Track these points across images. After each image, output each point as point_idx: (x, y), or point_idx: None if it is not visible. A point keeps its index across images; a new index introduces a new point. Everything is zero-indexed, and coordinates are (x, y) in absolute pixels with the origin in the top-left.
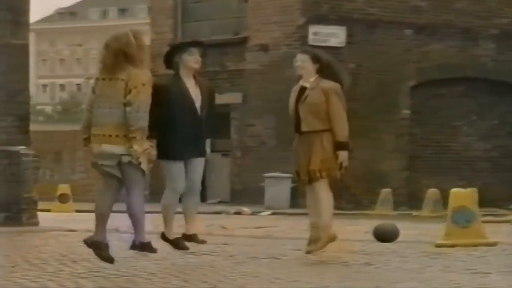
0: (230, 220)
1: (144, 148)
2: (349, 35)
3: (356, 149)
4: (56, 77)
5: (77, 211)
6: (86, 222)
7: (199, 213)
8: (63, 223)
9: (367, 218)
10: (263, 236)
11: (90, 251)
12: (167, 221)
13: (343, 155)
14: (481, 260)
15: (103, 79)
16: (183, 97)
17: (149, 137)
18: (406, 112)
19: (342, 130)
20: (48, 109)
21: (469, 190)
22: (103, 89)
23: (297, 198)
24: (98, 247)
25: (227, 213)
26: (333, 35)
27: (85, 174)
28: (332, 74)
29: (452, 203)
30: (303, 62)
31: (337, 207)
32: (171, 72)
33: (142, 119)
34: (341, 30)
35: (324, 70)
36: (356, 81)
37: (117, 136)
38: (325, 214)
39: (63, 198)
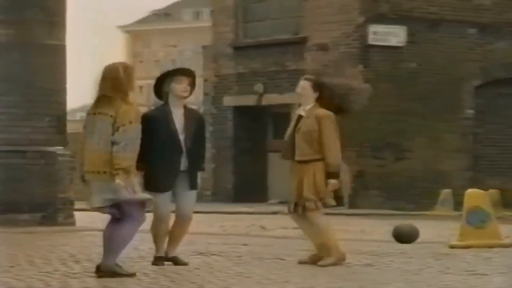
0: (274, 221)
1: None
2: (410, 34)
3: (415, 148)
4: (151, 78)
5: None
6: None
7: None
8: (102, 223)
9: (425, 218)
10: (285, 236)
11: (100, 251)
12: (156, 245)
13: (333, 184)
14: (486, 261)
15: (94, 114)
16: (167, 127)
17: (137, 169)
18: (470, 112)
19: (334, 160)
20: (143, 110)
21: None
22: (92, 124)
23: (355, 199)
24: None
25: (283, 213)
26: (393, 34)
27: None
28: (333, 102)
29: (467, 203)
30: (303, 90)
31: (396, 207)
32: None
33: (128, 159)
34: (401, 29)
35: (325, 99)
36: (416, 80)
37: (104, 172)
38: (330, 241)
39: None
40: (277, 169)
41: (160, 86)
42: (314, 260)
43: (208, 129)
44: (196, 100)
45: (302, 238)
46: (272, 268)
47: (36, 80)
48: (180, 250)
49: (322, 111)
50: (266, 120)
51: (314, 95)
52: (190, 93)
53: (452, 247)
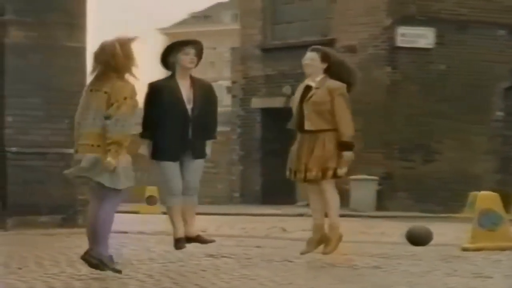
0: (297, 223)
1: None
2: (438, 36)
3: (444, 150)
4: None
5: (164, 213)
6: (155, 224)
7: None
8: (130, 225)
9: (453, 221)
10: (301, 238)
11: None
12: (173, 222)
13: (348, 155)
14: (495, 264)
15: (91, 90)
16: (173, 97)
17: (141, 137)
18: (499, 114)
19: (347, 130)
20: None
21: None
22: (89, 100)
23: (383, 201)
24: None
25: (309, 215)
26: (422, 36)
27: None
28: (341, 73)
29: (479, 206)
30: (311, 61)
31: (425, 210)
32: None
33: (119, 133)
34: (430, 31)
35: (334, 69)
36: (446, 82)
37: (98, 146)
38: (333, 214)
39: (150, 200)
40: None
41: (167, 57)
42: (315, 245)
43: (236, 131)
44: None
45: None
46: (278, 270)
47: (56, 82)
48: (191, 251)
49: (335, 83)
50: None
51: (323, 66)
52: (197, 64)
53: (464, 249)
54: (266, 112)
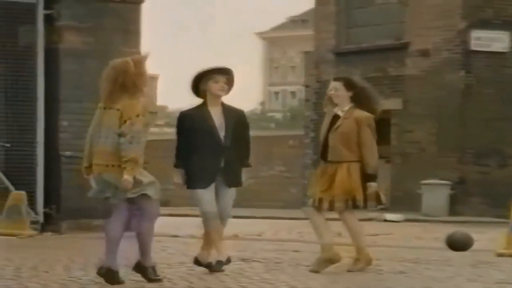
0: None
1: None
2: None
3: None
4: (287, 84)
5: (234, 217)
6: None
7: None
8: (182, 229)
9: None
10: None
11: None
12: (216, 247)
13: (373, 186)
14: None
15: (104, 108)
16: (205, 125)
17: (174, 166)
18: None
19: (373, 162)
20: (278, 115)
21: None
22: (101, 118)
23: (455, 206)
24: (110, 275)
25: (377, 220)
26: (497, 40)
27: (254, 180)
28: (366, 101)
29: None
30: (336, 91)
31: (500, 215)
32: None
33: (134, 151)
34: (505, 35)
35: (359, 97)
36: None
37: (113, 166)
38: (359, 239)
39: None
40: (380, 175)
41: (198, 84)
42: (324, 265)
43: (309, 135)
44: (299, 106)
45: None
46: (299, 275)
47: None
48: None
49: (362, 113)
50: None
51: (348, 94)
52: (228, 92)
53: (499, 255)
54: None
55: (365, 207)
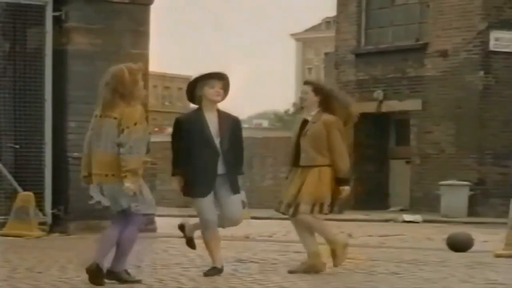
0: (370, 229)
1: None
2: None
3: None
4: None
5: (253, 218)
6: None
7: None
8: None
9: None
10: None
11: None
12: (211, 254)
13: (346, 190)
14: None
15: (100, 116)
16: (202, 132)
17: (172, 175)
18: None
19: (344, 166)
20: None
21: None
22: (98, 127)
23: (475, 207)
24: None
25: (395, 221)
26: None
27: (273, 181)
28: (336, 105)
29: None
30: (305, 94)
31: None
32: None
33: (133, 161)
34: None
35: (328, 102)
36: None
37: (113, 175)
38: (325, 233)
39: None
40: (399, 176)
41: (194, 90)
42: (304, 269)
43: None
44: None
45: (368, 247)
46: (291, 276)
47: None
48: (224, 256)
49: (330, 117)
50: (388, 126)
51: (316, 99)
52: (223, 98)
53: (497, 256)
54: (358, 117)
55: (330, 211)
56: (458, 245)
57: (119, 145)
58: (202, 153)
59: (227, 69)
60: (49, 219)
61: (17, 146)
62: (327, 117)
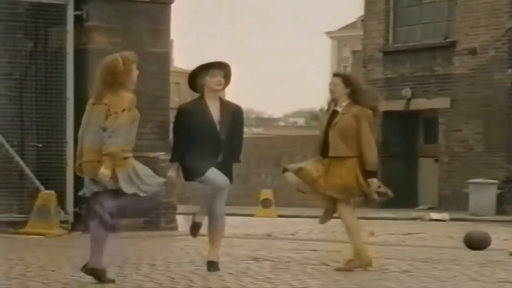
0: (395, 227)
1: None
2: None
3: None
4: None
5: (280, 216)
6: (256, 227)
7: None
8: (236, 228)
9: None
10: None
11: (146, 259)
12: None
13: (375, 182)
14: None
15: (93, 104)
16: (204, 120)
17: (171, 161)
18: None
19: (372, 158)
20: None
21: None
22: (90, 114)
23: (503, 205)
24: (97, 275)
25: (422, 219)
26: None
27: None
28: (365, 99)
29: None
30: (334, 86)
31: None
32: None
33: (113, 145)
34: None
35: (357, 95)
36: None
37: (98, 161)
38: (355, 239)
39: (265, 203)
40: (428, 174)
41: (195, 79)
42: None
43: None
44: None
45: (386, 245)
46: (302, 274)
47: (140, 87)
48: (238, 254)
49: (361, 109)
50: (416, 124)
51: (346, 91)
52: (225, 87)
53: (511, 254)
54: (387, 115)
55: (365, 205)
56: (474, 243)
57: (104, 129)
58: (204, 140)
59: (264, 69)
60: (71, 218)
61: (39, 145)
62: (358, 109)
